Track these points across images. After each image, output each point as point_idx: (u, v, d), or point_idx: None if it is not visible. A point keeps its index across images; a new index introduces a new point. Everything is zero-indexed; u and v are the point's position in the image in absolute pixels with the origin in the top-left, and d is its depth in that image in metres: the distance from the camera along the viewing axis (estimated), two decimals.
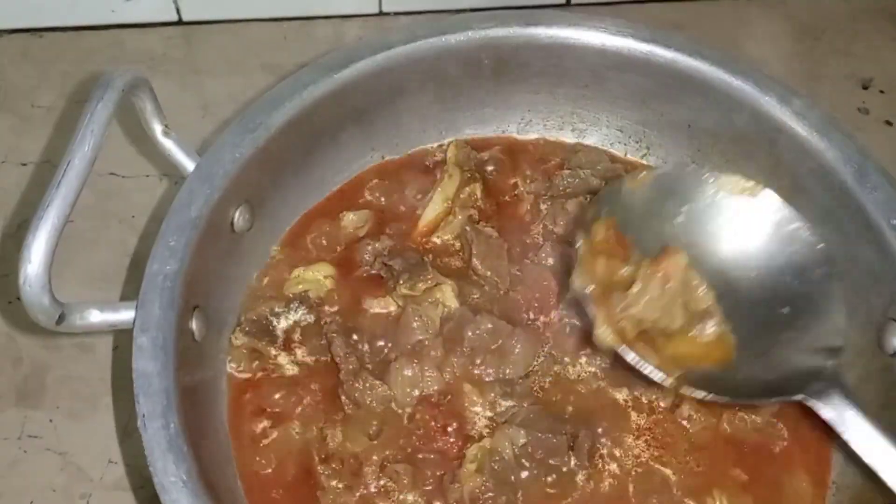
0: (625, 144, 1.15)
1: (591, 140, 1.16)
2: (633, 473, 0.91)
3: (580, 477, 0.90)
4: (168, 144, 0.91)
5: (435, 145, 1.14)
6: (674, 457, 0.92)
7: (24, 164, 1.26)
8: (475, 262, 1.01)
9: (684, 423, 0.94)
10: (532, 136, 1.16)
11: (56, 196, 0.76)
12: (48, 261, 0.76)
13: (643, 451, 0.92)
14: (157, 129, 0.91)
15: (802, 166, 0.99)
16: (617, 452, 0.92)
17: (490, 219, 1.06)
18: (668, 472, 0.91)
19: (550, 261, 1.02)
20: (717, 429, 0.94)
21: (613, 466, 0.91)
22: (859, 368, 0.93)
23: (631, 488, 0.90)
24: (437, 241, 1.06)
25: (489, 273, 1.00)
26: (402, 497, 0.88)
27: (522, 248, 1.03)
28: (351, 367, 0.93)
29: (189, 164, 0.92)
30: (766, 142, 1.02)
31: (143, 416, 0.77)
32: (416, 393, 0.93)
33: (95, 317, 0.81)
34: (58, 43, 1.40)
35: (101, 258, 1.17)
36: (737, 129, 1.04)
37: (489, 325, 0.95)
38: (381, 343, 0.97)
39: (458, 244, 1.05)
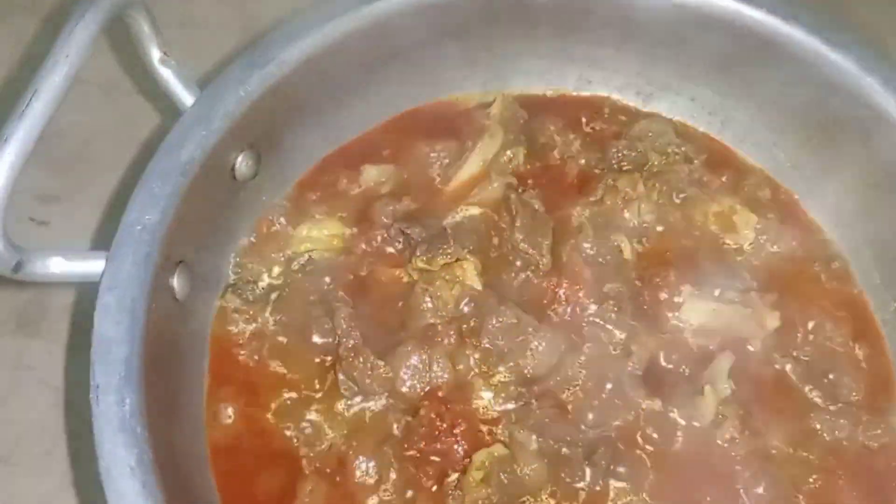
0: (696, 116, 1.03)
1: (657, 107, 1.04)
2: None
3: (594, 495, 0.81)
4: (165, 74, 0.81)
5: (478, 97, 1.03)
6: (704, 485, 0.82)
7: None
8: (517, 235, 0.91)
9: (724, 445, 0.83)
10: (591, 95, 1.04)
11: (17, 129, 0.67)
12: (3, 202, 0.68)
13: (669, 476, 0.82)
14: (155, 55, 0.81)
15: None
16: (639, 474, 0.81)
17: (530, 189, 0.95)
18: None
19: (588, 246, 0.90)
20: (763, 455, 0.83)
21: (631, 492, 0.81)
22: None
23: None
24: (469, 207, 0.95)
25: (531, 251, 0.90)
26: (390, 497, 0.80)
27: (561, 229, 0.92)
28: (353, 342, 0.84)
29: (188, 99, 0.82)
30: (862, 130, 0.91)
31: (97, 387, 0.69)
32: (423, 384, 0.84)
33: (59, 266, 0.73)
34: None
35: (119, 185, 1.08)
36: (829, 112, 0.93)
37: (514, 320, 0.85)
38: (390, 321, 0.87)
39: (490, 215, 0.94)
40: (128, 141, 1.10)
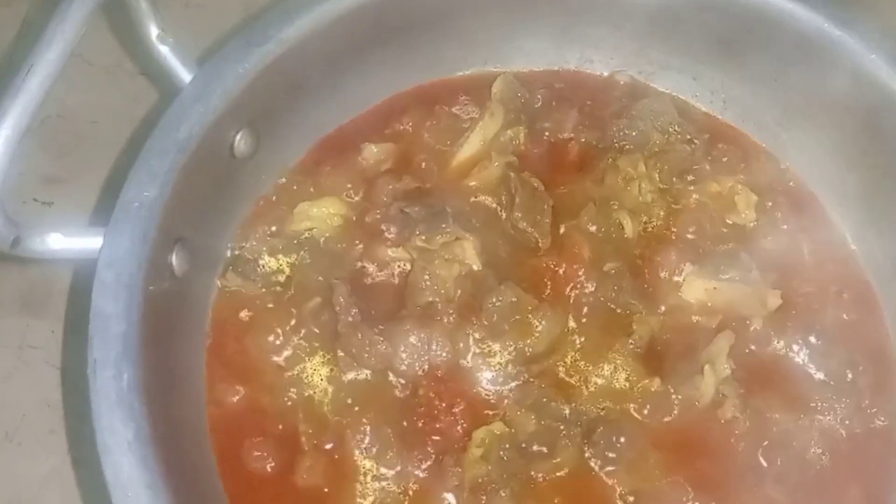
0: (698, 95, 1.01)
1: (658, 85, 1.02)
2: (654, 483, 0.80)
3: (591, 475, 0.80)
4: (163, 51, 0.81)
5: (480, 76, 1.01)
6: (704, 465, 0.81)
7: None
8: (517, 214, 0.90)
9: (725, 424, 0.83)
10: (591, 73, 1.03)
11: (13, 105, 0.67)
12: (1, 177, 0.68)
13: (669, 456, 0.81)
14: (152, 32, 0.80)
15: None
16: (638, 454, 0.81)
17: (530, 168, 0.94)
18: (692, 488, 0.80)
19: (591, 226, 0.90)
20: (764, 434, 0.82)
21: (629, 470, 0.80)
22: None
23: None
24: (470, 186, 0.94)
25: (531, 229, 0.90)
26: (388, 473, 0.80)
27: (562, 208, 0.91)
28: (351, 319, 0.84)
29: (186, 76, 0.81)
30: (866, 109, 0.89)
31: (95, 362, 0.69)
32: (422, 363, 0.83)
33: (57, 242, 0.73)
34: None
35: (119, 164, 1.07)
36: (832, 90, 0.91)
37: (513, 299, 0.84)
38: (388, 299, 0.87)
39: (490, 194, 0.93)
40: (131, 121, 1.09)
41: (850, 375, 0.85)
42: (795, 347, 0.87)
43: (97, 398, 0.68)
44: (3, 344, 0.97)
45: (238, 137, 0.85)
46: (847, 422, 0.84)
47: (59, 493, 0.89)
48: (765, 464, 0.82)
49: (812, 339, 0.87)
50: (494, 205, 0.93)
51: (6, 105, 0.67)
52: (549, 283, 0.88)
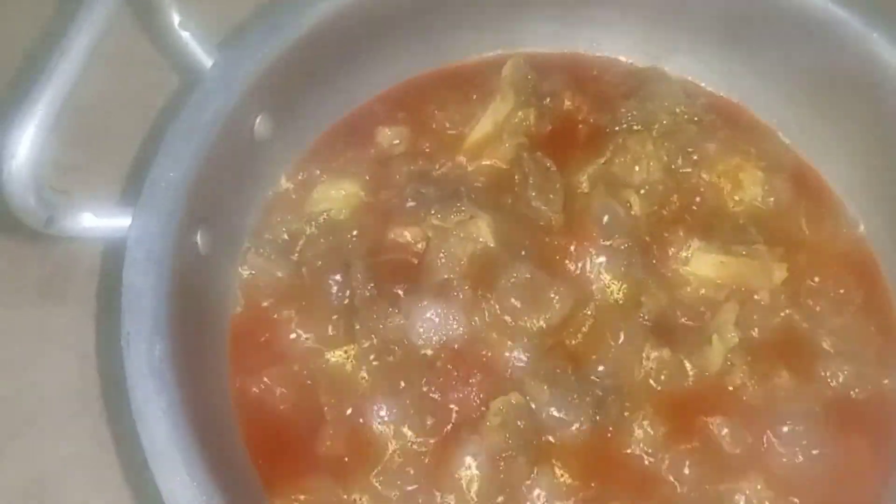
0: (704, 77, 1.03)
1: (666, 67, 1.03)
2: (663, 450, 0.82)
3: (604, 442, 0.83)
4: (185, 37, 0.83)
5: (490, 59, 1.03)
6: (713, 431, 0.83)
7: None
8: (530, 193, 0.92)
9: (733, 391, 0.85)
10: (600, 56, 1.04)
11: (48, 86, 0.69)
12: (37, 156, 0.69)
13: (678, 423, 0.83)
14: (174, 19, 0.82)
15: None
16: (647, 424, 0.83)
17: (540, 149, 0.96)
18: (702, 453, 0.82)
19: (598, 203, 0.91)
20: (771, 399, 0.85)
21: (640, 438, 0.83)
22: None
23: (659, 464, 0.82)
24: (482, 167, 0.96)
25: (543, 208, 0.92)
26: (407, 442, 0.82)
27: (573, 187, 0.93)
28: (368, 294, 0.86)
29: (207, 62, 0.84)
30: (871, 89, 0.90)
31: (128, 334, 0.72)
32: (439, 337, 0.85)
33: (89, 221, 0.75)
34: None
35: (139, 152, 1.09)
36: (838, 71, 0.92)
37: (527, 275, 0.86)
38: (405, 277, 0.89)
39: (502, 174, 0.96)
40: (148, 110, 1.11)
41: (854, 344, 0.87)
42: (801, 318, 0.89)
43: (131, 370, 0.71)
44: (23, 329, 0.99)
45: (258, 121, 0.87)
46: (853, 387, 0.85)
47: (81, 475, 0.91)
48: (773, 428, 0.83)
49: (817, 309, 0.89)
50: (507, 184, 0.94)
51: (39, 89, 0.69)
52: (561, 259, 0.90)
